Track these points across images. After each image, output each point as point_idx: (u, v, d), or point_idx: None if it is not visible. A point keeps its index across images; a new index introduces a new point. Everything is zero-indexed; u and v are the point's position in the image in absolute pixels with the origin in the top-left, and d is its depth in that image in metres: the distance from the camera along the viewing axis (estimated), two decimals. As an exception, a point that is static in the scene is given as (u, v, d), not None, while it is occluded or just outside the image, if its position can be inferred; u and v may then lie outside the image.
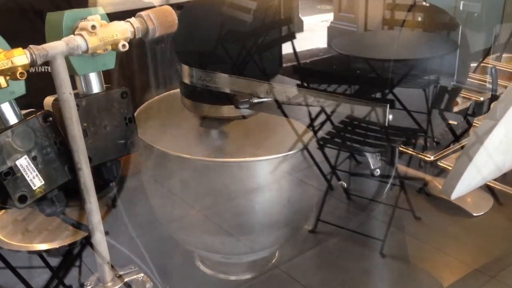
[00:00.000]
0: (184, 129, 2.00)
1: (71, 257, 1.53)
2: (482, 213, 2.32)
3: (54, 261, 1.63)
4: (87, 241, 1.41)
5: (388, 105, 1.50)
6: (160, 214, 1.93)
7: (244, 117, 1.78)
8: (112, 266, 1.01)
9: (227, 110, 1.74)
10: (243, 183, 1.71)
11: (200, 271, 2.03)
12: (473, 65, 2.81)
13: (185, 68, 1.71)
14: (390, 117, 1.52)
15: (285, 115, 1.83)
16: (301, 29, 4.69)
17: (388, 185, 2.21)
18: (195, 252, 2.06)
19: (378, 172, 1.76)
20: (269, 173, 1.72)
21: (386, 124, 1.53)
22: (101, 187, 1.01)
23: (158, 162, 1.78)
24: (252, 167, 1.71)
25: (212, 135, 1.96)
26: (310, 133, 1.95)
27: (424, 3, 2.75)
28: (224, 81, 1.65)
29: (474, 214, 2.31)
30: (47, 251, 1.42)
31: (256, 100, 1.63)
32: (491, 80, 2.34)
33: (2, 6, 1.65)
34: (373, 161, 1.75)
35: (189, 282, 2.01)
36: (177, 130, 1.99)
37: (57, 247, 1.40)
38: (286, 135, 1.90)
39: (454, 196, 1.43)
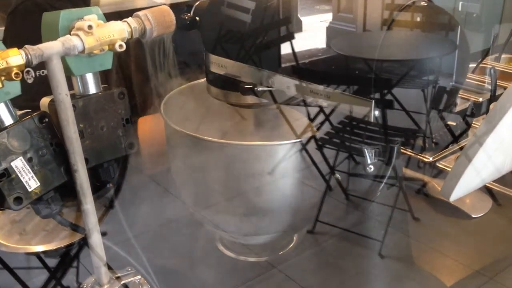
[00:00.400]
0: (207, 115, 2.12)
1: (68, 258, 1.52)
2: (481, 214, 2.32)
3: (52, 262, 1.62)
4: (85, 242, 1.40)
5: (374, 100, 1.51)
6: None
7: (264, 104, 1.85)
8: (109, 268, 1.01)
9: (250, 98, 1.81)
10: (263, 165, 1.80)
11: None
12: (472, 65, 2.81)
13: (212, 57, 1.77)
14: (376, 112, 1.52)
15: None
16: (299, 29, 4.69)
17: (382, 184, 2.21)
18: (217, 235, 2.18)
19: (371, 168, 1.75)
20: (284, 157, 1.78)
21: (372, 119, 1.53)
22: (98, 188, 1.00)
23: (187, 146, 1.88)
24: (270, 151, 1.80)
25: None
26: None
27: (422, 3, 2.75)
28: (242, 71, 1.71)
29: (473, 216, 2.31)
30: (44, 252, 1.41)
31: (260, 89, 1.67)
32: (490, 81, 2.33)
33: (20, 6, 1.62)
34: (369, 156, 1.75)
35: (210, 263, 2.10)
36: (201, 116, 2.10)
37: (55, 248, 1.39)
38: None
39: (453, 197, 1.43)
